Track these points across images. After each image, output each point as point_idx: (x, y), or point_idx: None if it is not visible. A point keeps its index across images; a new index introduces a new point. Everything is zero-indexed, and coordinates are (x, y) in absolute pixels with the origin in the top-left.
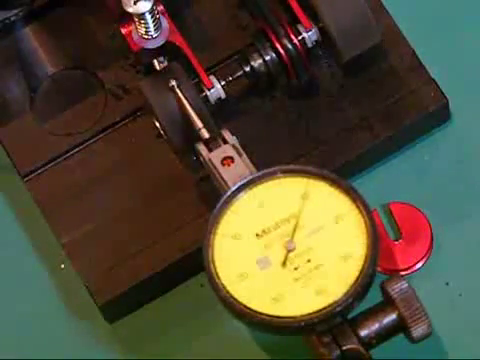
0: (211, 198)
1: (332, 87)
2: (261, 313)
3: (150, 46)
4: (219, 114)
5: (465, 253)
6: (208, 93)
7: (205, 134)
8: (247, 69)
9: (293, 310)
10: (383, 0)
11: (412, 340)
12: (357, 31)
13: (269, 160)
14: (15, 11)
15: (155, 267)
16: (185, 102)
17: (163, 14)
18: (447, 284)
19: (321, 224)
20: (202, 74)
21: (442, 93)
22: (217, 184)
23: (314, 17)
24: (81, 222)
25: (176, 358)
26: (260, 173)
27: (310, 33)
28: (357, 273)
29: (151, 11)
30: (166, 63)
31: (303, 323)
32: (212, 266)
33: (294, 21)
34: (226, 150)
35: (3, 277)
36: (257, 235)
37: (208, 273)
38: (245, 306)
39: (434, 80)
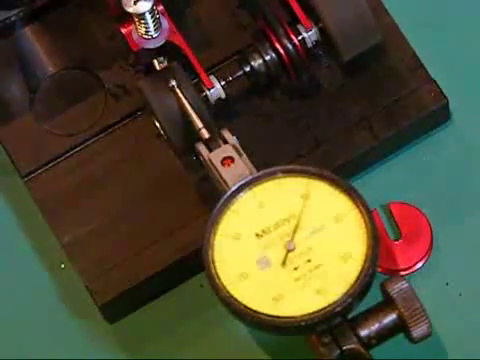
0: (211, 198)
1: (332, 87)
2: (261, 313)
3: (150, 46)
4: (219, 114)
5: (465, 253)
6: (208, 93)
7: (205, 134)
8: (247, 69)
9: (293, 310)
10: (383, 0)
11: (412, 340)
12: (357, 31)
13: (269, 160)
14: (15, 11)
15: (155, 267)
16: (185, 102)
17: (163, 14)
18: (447, 284)
19: (321, 224)
20: (202, 74)
21: (442, 93)
22: (217, 184)
23: (314, 17)
24: (81, 222)
25: (176, 358)
26: (260, 173)
27: (310, 33)
28: (357, 273)
29: (151, 11)
30: (166, 63)
31: (303, 323)
32: (212, 266)
33: (294, 21)
34: (226, 150)
35: (3, 277)
36: (257, 235)
37: (208, 273)
38: (245, 306)
39: (434, 80)
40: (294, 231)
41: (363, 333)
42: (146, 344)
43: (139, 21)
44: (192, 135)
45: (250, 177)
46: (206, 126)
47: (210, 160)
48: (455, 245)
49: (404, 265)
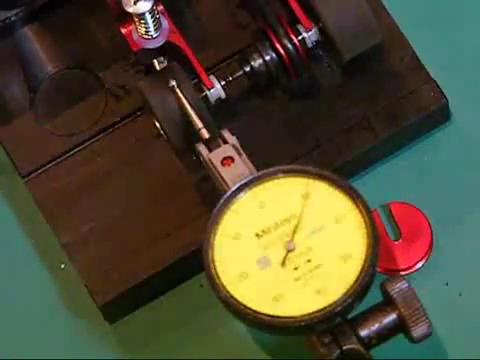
0: (211, 198)
1: (332, 87)
2: (261, 313)
3: (150, 46)
4: (219, 114)
5: (465, 253)
6: (208, 93)
7: (205, 134)
8: (247, 69)
9: (293, 310)
10: (383, 0)
11: (412, 340)
12: (357, 31)
13: (269, 160)
14: (15, 11)
15: (155, 267)
16: (185, 102)
17: (163, 14)
18: (447, 284)
19: (321, 224)
20: (202, 74)
21: (442, 93)
22: (217, 184)
23: (314, 17)
24: (81, 222)
25: (176, 358)
26: (260, 173)
27: (310, 33)
28: (357, 273)
29: (151, 11)
30: (166, 63)
31: (303, 323)
32: (212, 266)
33: (294, 21)
34: (226, 150)
35: (3, 277)
36: (257, 235)
37: (208, 273)
38: (245, 306)
39: (434, 80)
40: (294, 231)
41: (363, 333)
42: (146, 344)
43: (139, 21)
44: (192, 135)
45: (250, 177)
46: (206, 126)
47: (210, 160)
48: (455, 245)
49: (404, 265)
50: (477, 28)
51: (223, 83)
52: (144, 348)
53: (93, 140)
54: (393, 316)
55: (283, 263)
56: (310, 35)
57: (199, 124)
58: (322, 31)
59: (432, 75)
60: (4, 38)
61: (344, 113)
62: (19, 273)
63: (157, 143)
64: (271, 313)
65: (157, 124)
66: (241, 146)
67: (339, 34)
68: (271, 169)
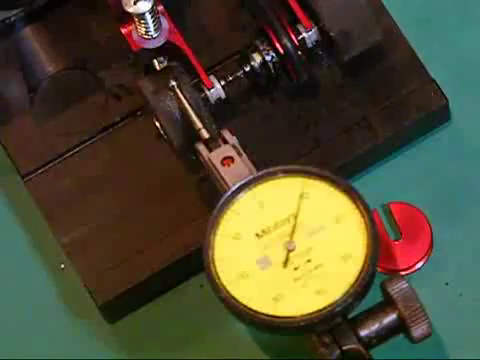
0: (211, 198)
1: (332, 87)
2: (261, 313)
3: (150, 46)
4: (219, 114)
5: (465, 253)
6: (208, 93)
7: (205, 134)
8: (247, 69)
9: (293, 310)
10: (383, 0)
11: (412, 340)
12: (357, 31)
13: (269, 160)
14: (15, 11)
15: (155, 267)
16: (185, 102)
17: (163, 14)
18: (447, 284)
19: (321, 224)
20: (202, 74)
21: (442, 93)
22: (217, 184)
23: (314, 17)
24: (81, 222)
25: (176, 358)
26: (260, 173)
27: (310, 33)
28: (357, 273)
29: (151, 11)
30: (166, 63)
31: (303, 323)
32: (212, 266)
33: (294, 21)
34: (226, 150)
35: (3, 277)
36: (257, 235)
37: (208, 273)
38: (245, 306)
39: (434, 80)
40: (294, 231)
41: (363, 333)
42: (146, 344)
43: (139, 21)
44: (192, 135)
45: (250, 177)
46: (206, 126)
47: (210, 160)
48: (455, 245)
49: (404, 265)
50: (477, 28)
51: (223, 83)
52: (144, 348)
53: (93, 140)
54: (393, 316)
55: (283, 263)
56: (310, 35)
57: (199, 124)
58: (322, 31)
59: (432, 75)
60: (4, 38)
61: (344, 113)
62: (19, 273)
63: (157, 143)
64: (271, 313)
65: (157, 124)
66: (241, 146)
67: (339, 34)
68: (271, 169)
